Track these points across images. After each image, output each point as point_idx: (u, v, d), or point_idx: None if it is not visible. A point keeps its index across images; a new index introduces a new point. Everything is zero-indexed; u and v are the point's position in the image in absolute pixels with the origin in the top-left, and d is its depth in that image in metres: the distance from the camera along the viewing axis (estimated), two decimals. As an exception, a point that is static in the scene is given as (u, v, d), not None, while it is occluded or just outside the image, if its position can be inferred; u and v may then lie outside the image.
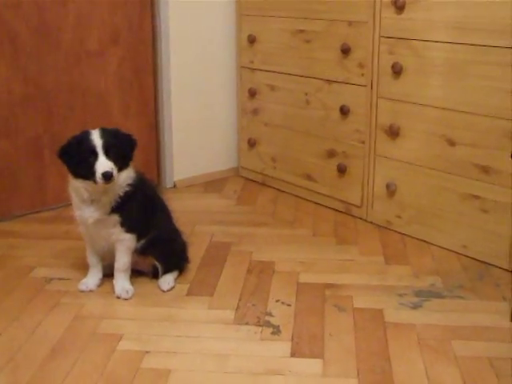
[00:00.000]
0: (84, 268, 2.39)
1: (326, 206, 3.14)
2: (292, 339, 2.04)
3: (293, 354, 1.96)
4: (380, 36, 2.76)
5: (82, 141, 2.10)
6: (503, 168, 2.41)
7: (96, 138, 2.08)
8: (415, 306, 2.25)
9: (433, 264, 2.57)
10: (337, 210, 3.10)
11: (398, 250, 2.70)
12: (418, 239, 2.76)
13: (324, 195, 3.15)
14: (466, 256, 2.60)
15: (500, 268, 2.46)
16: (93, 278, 2.32)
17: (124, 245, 2.25)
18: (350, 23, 2.86)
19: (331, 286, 2.39)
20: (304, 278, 2.45)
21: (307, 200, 3.22)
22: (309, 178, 3.20)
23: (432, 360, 1.94)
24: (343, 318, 2.18)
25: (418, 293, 2.34)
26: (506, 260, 2.39)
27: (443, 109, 2.60)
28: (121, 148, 2.15)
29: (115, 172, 2.08)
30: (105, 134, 2.11)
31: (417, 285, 2.40)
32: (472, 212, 2.55)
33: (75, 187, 2.17)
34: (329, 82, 3.01)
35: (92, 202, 2.17)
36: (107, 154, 2.08)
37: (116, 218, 2.20)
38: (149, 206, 2.31)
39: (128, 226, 2.23)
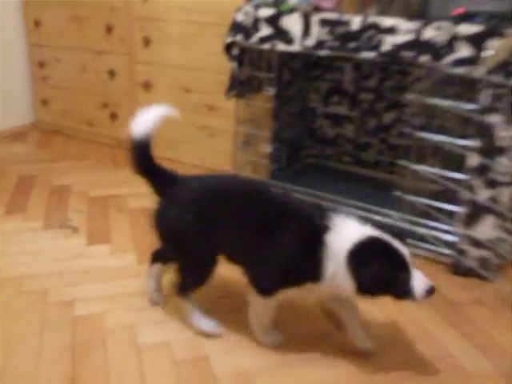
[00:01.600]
0: None
1: (105, 144, 3.19)
2: (87, 234, 2.12)
3: (89, 244, 2.05)
4: (133, 17, 2.85)
5: (393, 257, 1.28)
6: (222, 105, 2.64)
7: (403, 250, 1.29)
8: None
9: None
10: (113, 146, 3.16)
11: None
12: (172, 159, 2.85)
13: (103, 136, 3.21)
14: (205, 167, 2.79)
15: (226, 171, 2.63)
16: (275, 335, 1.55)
17: None
18: (111, 8, 2.91)
19: (112, 196, 2.47)
20: (93, 193, 2.50)
21: (91, 141, 3.24)
22: (90, 124, 3.24)
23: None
24: (122, 216, 2.28)
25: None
26: (228, 166, 2.56)
27: (181, 68, 2.75)
28: None
29: None
30: (395, 239, 1.31)
31: (172, 189, 2.58)
32: (205, 137, 2.78)
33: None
34: (99, 52, 3.05)
35: None
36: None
37: None
38: None
39: None
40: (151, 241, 2.03)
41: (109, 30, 2.96)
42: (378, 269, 1.25)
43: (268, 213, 1.40)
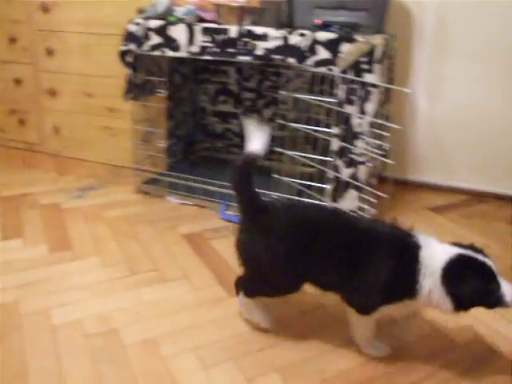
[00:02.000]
0: None
1: (15, 148, 3.02)
2: (1, 230, 2.01)
3: (2, 239, 1.96)
4: (35, 29, 2.72)
5: (483, 270, 1.20)
6: (122, 107, 2.57)
7: (489, 262, 1.22)
8: (79, 197, 2.38)
9: (89, 171, 2.67)
10: (22, 149, 3.00)
11: (66, 166, 2.72)
12: (78, 159, 2.79)
13: (12, 140, 3.03)
14: (109, 164, 2.70)
15: (128, 167, 2.59)
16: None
17: None
18: (13, 21, 2.76)
19: (24, 195, 2.38)
20: (5, 193, 2.39)
21: (1, 146, 3.05)
22: (1, 130, 3.06)
23: (92, 223, 2.11)
24: (34, 212, 2.20)
25: (81, 189, 2.45)
26: (130, 162, 2.53)
27: (83, 75, 2.67)
28: None
29: None
30: (484, 255, 1.24)
31: (79, 185, 2.51)
32: (107, 137, 2.70)
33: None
34: (3, 62, 2.88)
35: None
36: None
37: None
38: None
39: None
40: (61, 232, 2.02)
41: (12, 40, 2.80)
42: (473, 284, 1.17)
43: (358, 240, 1.26)
